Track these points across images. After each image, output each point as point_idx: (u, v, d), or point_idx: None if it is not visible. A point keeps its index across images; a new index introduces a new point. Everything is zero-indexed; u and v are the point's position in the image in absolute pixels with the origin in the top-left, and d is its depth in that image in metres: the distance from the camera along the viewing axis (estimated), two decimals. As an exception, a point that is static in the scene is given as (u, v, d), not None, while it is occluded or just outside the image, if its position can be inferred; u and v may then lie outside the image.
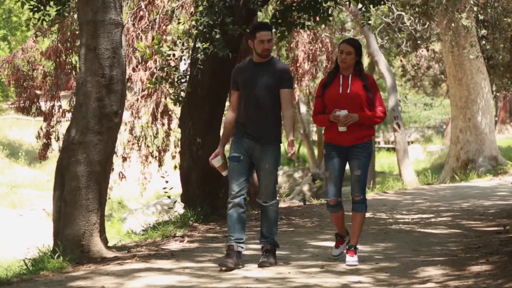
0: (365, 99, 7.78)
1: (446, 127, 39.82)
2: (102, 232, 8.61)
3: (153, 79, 13.85)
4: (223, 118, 11.90)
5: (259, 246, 9.14)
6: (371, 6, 11.80)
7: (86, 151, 8.43)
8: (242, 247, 7.77)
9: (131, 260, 8.17)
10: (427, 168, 28.38)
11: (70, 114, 18.14)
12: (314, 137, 39.88)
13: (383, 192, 16.80)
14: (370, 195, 16.40)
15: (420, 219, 11.82)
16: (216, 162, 7.92)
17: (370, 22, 11.95)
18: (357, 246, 7.92)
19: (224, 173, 7.98)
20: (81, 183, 8.39)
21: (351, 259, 7.79)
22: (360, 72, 7.87)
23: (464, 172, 20.52)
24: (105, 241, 8.70)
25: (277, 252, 7.99)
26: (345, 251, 7.98)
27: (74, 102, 9.33)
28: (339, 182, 7.89)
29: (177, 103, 12.02)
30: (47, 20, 11.35)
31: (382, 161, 36.57)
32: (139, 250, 9.08)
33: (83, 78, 8.55)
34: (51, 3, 11.02)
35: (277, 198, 7.97)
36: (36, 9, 11.01)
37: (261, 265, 7.74)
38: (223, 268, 7.52)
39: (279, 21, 11.88)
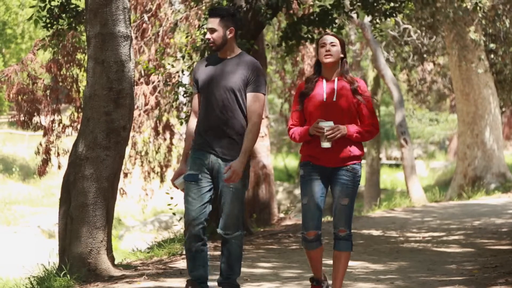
0: (355, 107, 6.19)
1: (449, 143, 39.58)
2: (109, 250, 8.42)
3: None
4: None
5: (269, 264, 8.96)
6: (383, 18, 11.59)
7: (93, 167, 8.22)
8: (208, 287, 6.42)
9: (139, 279, 7.96)
10: (431, 185, 28.16)
11: (71, 128, 18.06)
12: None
13: (391, 210, 16.57)
14: (377, 212, 16.21)
15: (431, 238, 11.65)
16: (180, 183, 6.41)
17: (382, 33, 11.71)
18: None
19: None
20: (88, 199, 8.18)
21: None
22: (347, 73, 6.26)
23: (471, 189, 20.28)
24: (112, 259, 8.50)
25: (289, 271, 7.71)
26: None
27: (80, 117, 9.10)
28: (319, 211, 6.26)
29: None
30: (61, 35, 11.23)
31: (385, 177, 36.29)
32: (146, 268, 8.86)
33: (91, 91, 8.34)
34: (63, 15, 10.83)
35: (242, 230, 6.37)
36: (50, 25, 10.84)
37: None
38: None
39: (289, 35, 11.70)
